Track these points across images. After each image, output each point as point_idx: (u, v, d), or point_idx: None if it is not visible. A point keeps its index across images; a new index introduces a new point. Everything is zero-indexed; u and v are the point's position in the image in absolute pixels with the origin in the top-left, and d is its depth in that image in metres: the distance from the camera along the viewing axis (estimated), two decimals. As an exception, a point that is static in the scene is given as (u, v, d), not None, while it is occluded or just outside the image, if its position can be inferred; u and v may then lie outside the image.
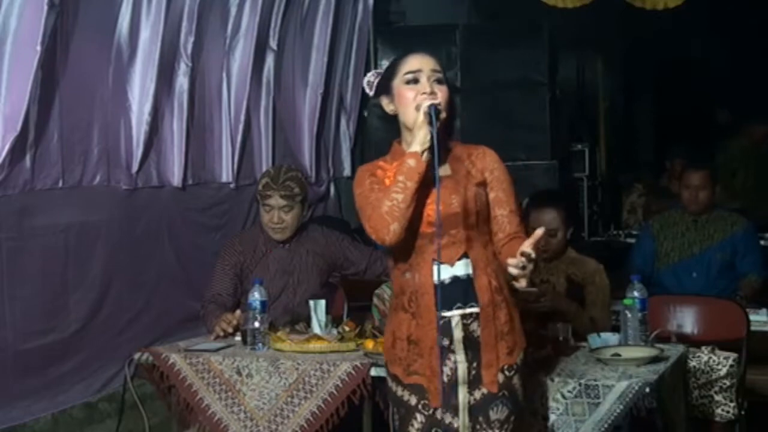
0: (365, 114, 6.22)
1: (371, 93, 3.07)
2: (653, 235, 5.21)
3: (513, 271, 2.65)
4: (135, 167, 4.49)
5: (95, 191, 4.31)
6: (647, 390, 3.08)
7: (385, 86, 2.96)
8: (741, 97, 8.88)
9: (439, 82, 2.89)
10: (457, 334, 2.86)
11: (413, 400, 2.88)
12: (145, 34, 4.44)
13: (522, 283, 2.68)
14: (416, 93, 2.85)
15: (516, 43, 6.11)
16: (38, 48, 3.74)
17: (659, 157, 8.79)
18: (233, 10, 5.05)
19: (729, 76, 9.19)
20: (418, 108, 2.82)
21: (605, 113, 8.99)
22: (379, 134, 6.03)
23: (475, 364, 2.86)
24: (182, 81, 4.72)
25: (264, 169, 5.16)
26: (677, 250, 5.10)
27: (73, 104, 4.12)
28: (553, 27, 6.26)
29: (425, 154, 2.81)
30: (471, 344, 2.86)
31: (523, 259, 2.62)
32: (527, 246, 2.65)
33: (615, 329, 3.69)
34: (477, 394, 2.86)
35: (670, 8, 5.31)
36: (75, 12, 4.06)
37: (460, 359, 2.86)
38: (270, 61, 5.36)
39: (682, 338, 4.04)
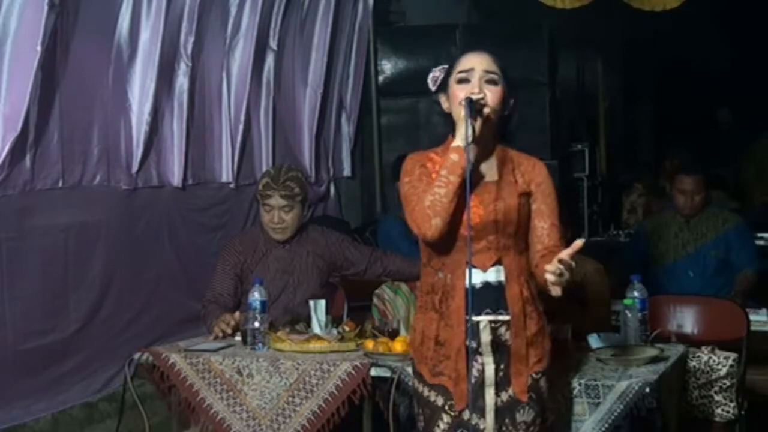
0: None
1: (433, 89, 3.02)
2: (646, 236, 5.27)
3: (550, 277, 2.64)
4: (135, 167, 4.49)
5: (95, 191, 4.31)
6: (647, 390, 3.08)
7: (443, 84, 2.93)
8: (741, 96, 8.89)
9: (491, 82, 2.86)
10: (485, 337, 2.85)
11: (440, 401, 2.87)
12: (145, 34, 4.44)
13: (557, 291, 2.66)
14: (466, 93, 2.81)
15: (516, 43, 6.11)
16: (38, 48, 3.75)
17: (659, 157, 8.80)
18: (233, 10, 5.05)
19: (729, 76, 9.20)
20: (460, 103, 2.80)
21: (605, 113, 9.00)
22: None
23: (503, 366, 2.86)
24: (182, 81, 4.73)
25: (264, 169, 5.16)
26: (672, 251, 5.14)
27: (73, 104, 4.13)
28: (553, 27, 6.27)
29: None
30: (499, 347, 2.86)
31: (561, 266, 2.62)
32: (565, 254, 2.64)
33: (615, 329, 3.69)
34: (504, 396, 2.86)
35: (669, 9, 5.32)
36: (75, 12, 4.07)
37: (487, 361, 2.86)
38: (270, 61, 5.37)
39: (682, 338, 4.04)
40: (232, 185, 5.16)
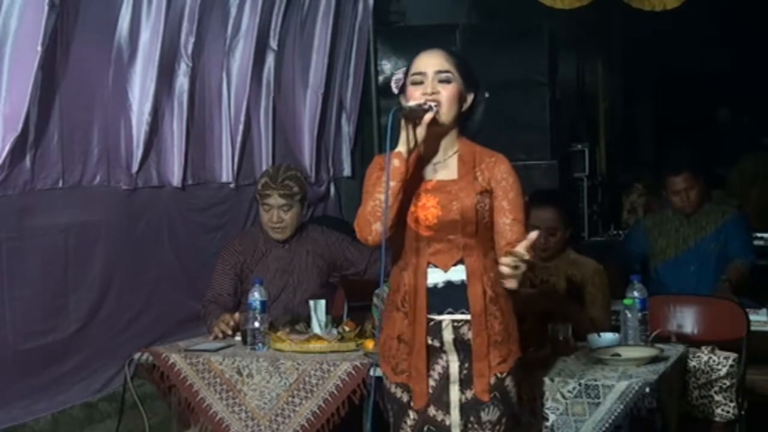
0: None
1: (396, 91, 3.06)
2: (645, 232, 5.29)
3: (504, 270, 2.64)
4: (135, 167, 4.49)
5: (95, 191, 4.31)
6: (647, 390, 3.08)
7: (403, 85, 2.96)
8: (741, 96, 8.89)
9: (444, 81, 2.87)
10: (447, 336, 2.87)
11: (405, 398, 2.91)
12: (145, 34, 4.43)
13: (512, 284, 2.66)
14: (420, 93, 2.85)
15: (516, 43, 6.11)
16: (38, 49, 3.74)
17: (659, 157, 8.80)
18: (233, 11, 5.05)
19: (729, 76, 9.21)
20: (398, 108, 2.83)
21: (605, 113, 8.99)
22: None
23: (467, 365, 2.87)
24: (182, 81, 4.72)
25: (264, 169, 5.16)
26: (673, 246, 5.16)
27: (73, 104, 4.12)
28: (553, 27, 6.26)
29: (416, 154, 2.84)
30: (462, 346, 2.87)
31: (515, 258, 2.61)
32: (521, 247, 2.64)
33: (615, 329, 3.69)
34: (468, 394, 2.87)
35: (669, 9, 5.32)
36: (75, 12, 4.06)
37: (452, 359, 2.88)
38: (270, 61, 5.36)
39: (682, 338, 4.04)
40: (232, 185, 5.15)
